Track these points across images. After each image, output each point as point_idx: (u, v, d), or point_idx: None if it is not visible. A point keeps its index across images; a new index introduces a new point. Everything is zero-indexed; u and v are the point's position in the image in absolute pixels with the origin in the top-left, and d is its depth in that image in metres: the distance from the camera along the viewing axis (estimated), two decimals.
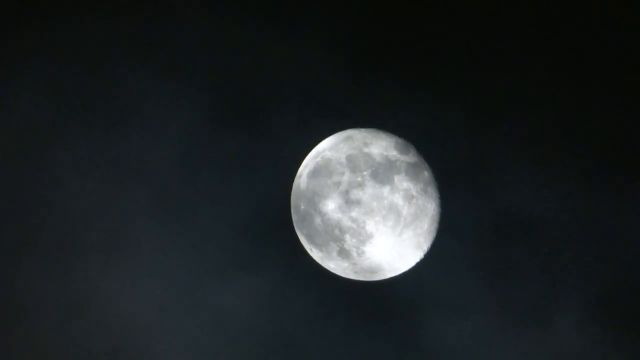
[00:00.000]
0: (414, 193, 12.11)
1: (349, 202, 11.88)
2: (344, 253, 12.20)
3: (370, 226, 11.88)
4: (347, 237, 12.00)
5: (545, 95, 13.67)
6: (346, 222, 11.94)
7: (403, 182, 12.05)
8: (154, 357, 13.82)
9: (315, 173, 12.36)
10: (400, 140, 12.52)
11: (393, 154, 12.27)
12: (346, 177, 12.00)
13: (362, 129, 12.72)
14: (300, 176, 12.72)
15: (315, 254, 12.70)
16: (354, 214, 11.89)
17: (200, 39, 14.00)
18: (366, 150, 12.23)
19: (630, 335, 13.35)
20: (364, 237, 11.94)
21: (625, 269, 13.41)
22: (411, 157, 12.39)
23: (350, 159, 12.14)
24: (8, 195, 13.84)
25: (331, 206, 12.00)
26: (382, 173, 11.97)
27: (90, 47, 13.89)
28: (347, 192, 11.91)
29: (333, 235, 12.09)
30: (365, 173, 11.95)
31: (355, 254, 12.12)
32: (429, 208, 12.30)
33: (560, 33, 13.63)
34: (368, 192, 11.85)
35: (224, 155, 13.96)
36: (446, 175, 12.85)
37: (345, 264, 12.40)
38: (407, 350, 13.78)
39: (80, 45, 13.87)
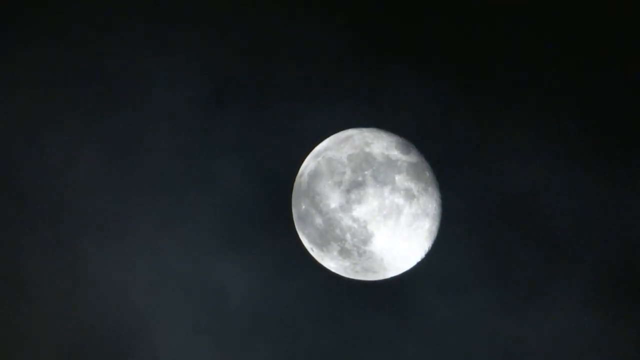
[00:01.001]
0: (415, 193, 12.12)
1: (350, 201, 11.88)
2: (345, 252, 12.20)
3: (371, 226, 11.88)
4: (348, 236, 12.00)
5: (548, 93, 13.67)
6: (347, 222, 11.94)
7: (404, 182, 12.05)
8: (149, 334, 13.80)
9: (316, 173, 12.37)
10: (401, 140, 12.52)
11: (394, 153, 12.27)
12: (347, 176, 12.00)
13: (364, 129, 12.72)
14: (301, 175, 12.73)
15: (316, 254, 12.71)
16: (355, 213, 11.89)
17: (200, 26, 13.98)
18: (367, 149, 12.23)
19: (630, 317, 13.36)
20: (365, 237, 11.94)
21: (627, 251, 13.40)
22: (412, 156, 12.39)
23: (351, 158, 12.14)
24: (4, 175, 13.81)
25: (332, 206, 12.00)
26: (383, 173, 11.97)
27: (84, 25, 13.83)
28: (348, 191, 11.91)
29: (334, 235, 12.09)
30: (366, 173, 11.96)
31: (356, 254, 12.13)
32: (430, 207, 12.30)
33: (562, 22, 13.63)
34: (369, 192, 11.85)
35: (224, 154, 13.96)
36: (447, 175, 12.86)
37: (346, 264, 12.40)
38: (407, 344, 13.80)
39: (73, 23, 13.82)
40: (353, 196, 11.87)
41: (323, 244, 12.31)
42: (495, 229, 13.60)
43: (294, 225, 12.79)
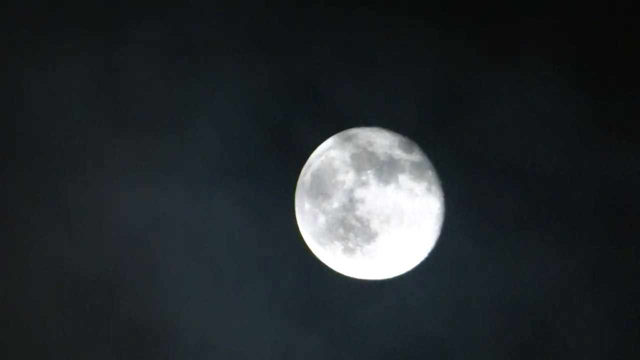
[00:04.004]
0: (418, 192, 12.13)
1: (353, 201, 11.90)
2: (348, 252, 12.22)
3: (374, 225, 11.90)
4: (351, 235, 12.02)
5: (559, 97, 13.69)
6: (350, 221, 11.96)
7: (407, 181, 12.07)
8: (145, 269, 13.76)
9: (319, 172, 12.38)
10: (404, 139, 12.54)
11: (397, 152, 12.29)
12: (350, 176, 12.01)
13: (367, 128, 12.74)
14: (304, 175, 12.74)
15: (319, 253, 12.73)
16: (358, 212, 11.90)
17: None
18: (370, 149, 12.25)
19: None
20: (368, 236, 11.96)
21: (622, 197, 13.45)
22: (415, 156, 12.41)
23: (354, 157, 12.16)
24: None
25: (335, 205, 12.02)
26: (386, 172, 11.99)
27: None
28: (351, 190, 11.93)
29: (337, 234, 12.11)
30: (369, 172, 11.97)
31: (359, 253, 12.14)
32: (433, 207, 12.32)
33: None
34: (372, 191, 11.87)
35: (226, 153, 13.95)
36: (450, 174, 12.87)
37: (349, 263, 12.42)
38: (409, 343, 13.82)
39: None
40: (356, 195, 11.89)
41: (326, 243, 12.33)
42: (499, 228, 13.62)
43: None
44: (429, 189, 12.29)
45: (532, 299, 13.65)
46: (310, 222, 12.39)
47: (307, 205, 12.41)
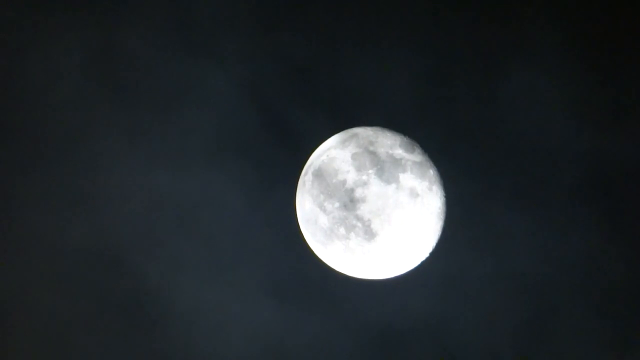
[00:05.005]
0: (419, 191, 12.13)
1: (354, 200, 11.89)
2: (349, 251, 12.21)
3: (375, 224, 11.89)
4: (352, 235, 12.01)
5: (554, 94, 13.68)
6: (351, 221, 11.95)
7: (408, 181, 12.07)
8: (140, 248, 13.76)
9: (320, 171, 12.38)
10: (405, 139, 12.53)
11: (398, 152, 12.28)
12: (351, 175, 12.01)
13: (368, 127, 12.73)
14: (305, 174, 12.74)
15: (320, 252, 12.73)
16: (359, 212, 11.90)
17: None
18: (371, 148, 12.24)
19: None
20: (369, 236, 11.95)
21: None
22: (416, 155, 12.41)
23: (355, 157, 12.16)
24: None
25: (336, 204, 12.01)
26: (387, 171, 11.99)
27: None
28: (352, 190, 11.92)
29: (338, 234, 12.10)
30: (370, 171, 11.97)
31: (360, 253, 12.14)
32: (435, 206, 12.31)
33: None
34: (373, 191, 11.86)
35: (227, 159, 13.96)
36: (451, 174, 12.86)
37: (350, 263, 12.42)
38: (410, 343, 13.82)
39: None
40: (357, 195, 11.88)
41: (327, 243, 12.33)
42: (499, 227, 13.61)
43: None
44: (430, 189, 12.29)
45: (535, 299, 13.65)
46: (312, 222, 12.39)
47: (308, 205, 12.41)
